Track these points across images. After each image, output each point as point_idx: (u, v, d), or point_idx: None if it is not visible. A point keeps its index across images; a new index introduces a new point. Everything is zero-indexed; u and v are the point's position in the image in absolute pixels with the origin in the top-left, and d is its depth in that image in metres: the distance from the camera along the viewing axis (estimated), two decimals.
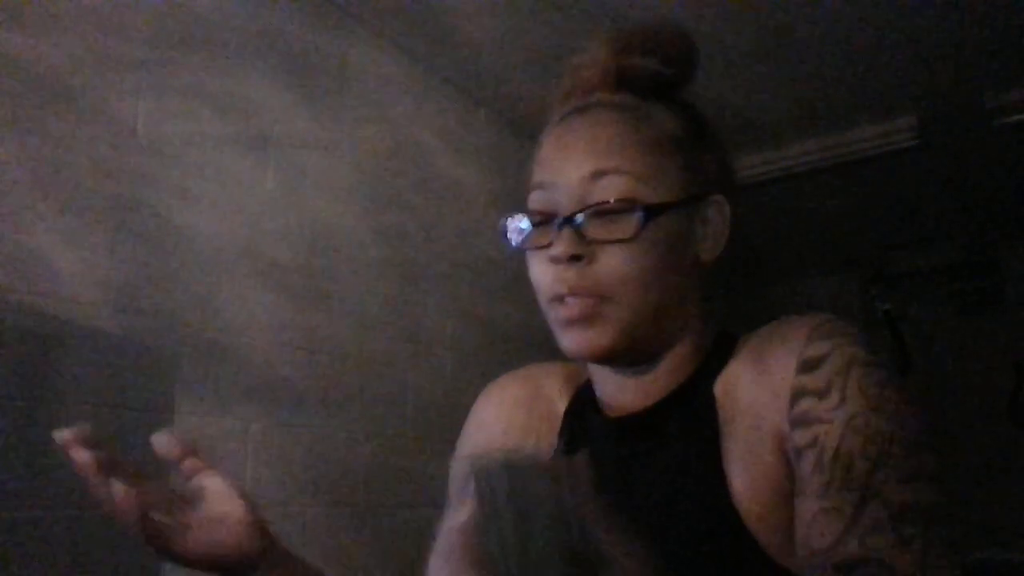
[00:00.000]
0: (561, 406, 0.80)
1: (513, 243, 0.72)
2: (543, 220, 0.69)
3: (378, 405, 2.05)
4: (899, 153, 2.85)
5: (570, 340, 0.68)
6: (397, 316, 2.16)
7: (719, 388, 0.68)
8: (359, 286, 2.06)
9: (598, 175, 0.66)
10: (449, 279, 2.35)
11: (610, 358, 0.69)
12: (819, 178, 3.13)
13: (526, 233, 0.71)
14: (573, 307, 0.66)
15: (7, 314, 1.32)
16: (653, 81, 0.70)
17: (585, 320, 0.66)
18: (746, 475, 0.63)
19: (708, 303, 0.74)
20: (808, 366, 0.62)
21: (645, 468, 0.69)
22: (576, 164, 0.67)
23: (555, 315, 0.69)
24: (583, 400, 0.78)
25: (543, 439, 0.79)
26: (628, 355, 0.69)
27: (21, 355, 1.33)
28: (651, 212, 0.65)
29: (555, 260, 0.66)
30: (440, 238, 2.35)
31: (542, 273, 0.69)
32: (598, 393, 0.75)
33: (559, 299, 0.67)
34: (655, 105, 0.70)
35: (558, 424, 0.79)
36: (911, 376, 3.77)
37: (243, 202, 1.78)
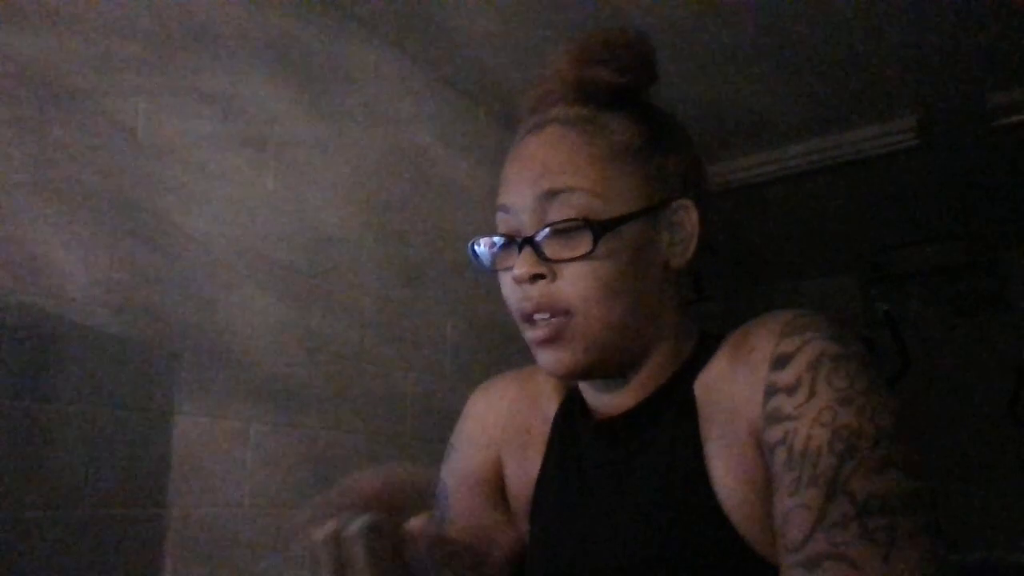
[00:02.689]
0: (552, 408, 0.80)
1: (485, 264, 0.73)
2: (508, 241, 0.70)
3: (378, 405, 2.05)
4: (899, 153, 2.86)
5: (543, 360, 0.69)
6: (397, 316, 2.16)
7: (699, 387, 0.69)
8: (359, 286, 2.06)
9: (553, 194, 0.66)
10: (449, 279, 2.35)
11: (583, 374, 0.70)
12: (819, 178, 3.13)
13: (495, 254, 0.72)
14: (540, 328, 0.67)
15: (7, 314, 1.32)
16: (610, 90, 0.70)
17: (552, 340, 0.67)
18: (729, 473, 0.64)
19: (687, 305, 0.75)
20: (780, 362, 0.62)
21: (632, 469, 0.69)
22: (531, 185, 0.68)
23: (527, 336, 0.70)
24: (572, 404, 0.79)
25: (537, 443, 0.79)
26: (602, 368, 0.69)
27: (21, 355, 1.33)
28: (604, 227, 0.65)
29: (517, 280, 0.67)
30: (440, 238, 2.35)
31: (510, 292, 0.70)
32: (586, 397, 0.76)
33: (527, 318, 0.68)
34: (613, 114, 0.70)
35: (548, 428, 0.80)
36: (911, 376, 3.77)
37: (243, 202, 1.78)
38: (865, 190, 3.33)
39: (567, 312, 0.66)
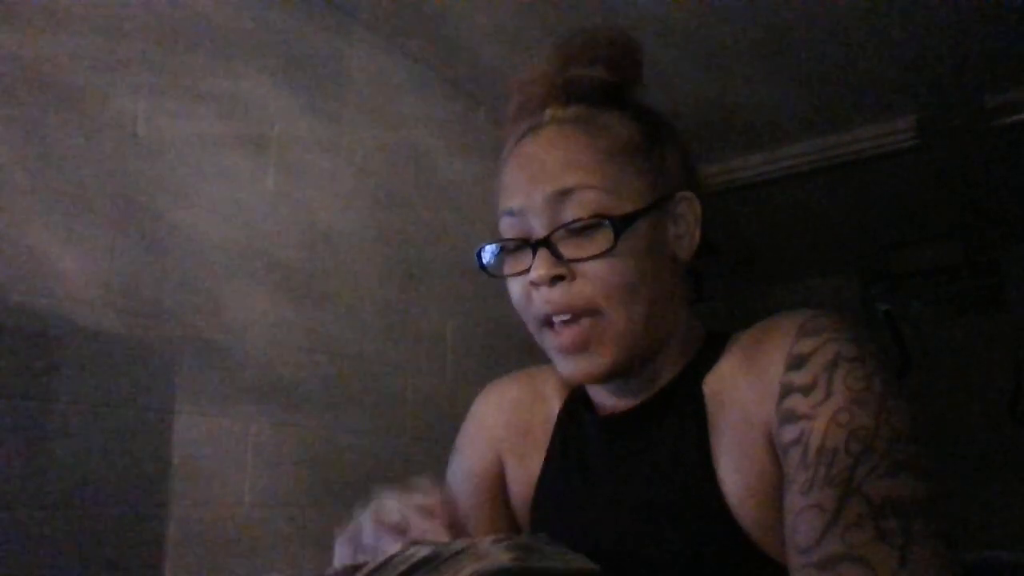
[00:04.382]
0: (556, 407, 0.80)
1: (493, 271, 0.71)
2: (518, 245, 0.69)
3: (378, 405, 2.05)
4: (899, 153, 2.85)
5: (569, 368, 0.68)
6: (397, 316, 2.16)
7: (708, 386, 0.68)
8: (359, 286, 2.05)
9: (564, 194, 0.65)
10: (449, 279, 2.35)
11: (612, 378, 0.69)
12: (819, 178, 3.13)
13: (503, 260, 0.71)
14: (565, 334, 0.66)
15: (7, 314, 1.32)
16: (602, 89, 0.70)
17: (581, 346, 0.66)
18: (737, 472, 0.63)
19: (699, 302, 0.75)
20: (796, 363, 0.62)
21: (636, 466, 0.69)
22: (540, 186, 0.66)
23: (548, 342, 0.68)
24: (577, 401, 0.78)
25: (540, 441, 0.79)
26: (627, 369, 0.68)
27: (21, 355, 1.33)
28: (623, 222, 0.64)
29: (536, 283, 0.65)
30: (440, 238, 2.35)
31: (525, 298, 0.68)
32: (591, 394, 0.76)
33: (547, 323, 0.67)
34: (608, 113, 0.69)
35: (551, 427, 0.79)
36: (911, 376, 3.77)
37: (243, 202, 1.78)
38: (865, 190, 3.33)
39: (592, 312, 0.65)
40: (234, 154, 1.78)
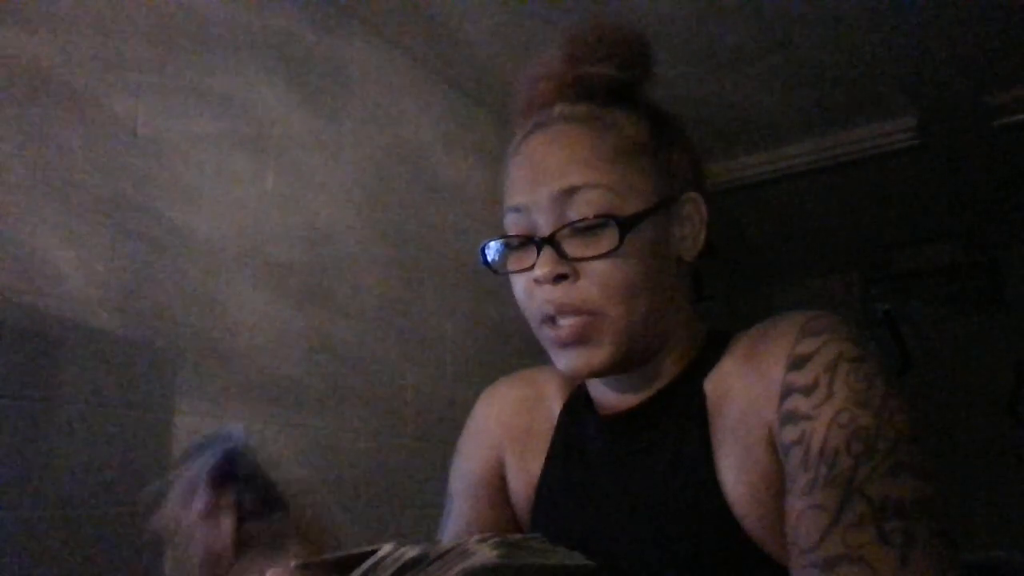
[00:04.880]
0: (557, 408, 0.80)
1: (495, 268, 0.71)
2: (522, 242, 0.68)
3: (378, 405, 2.05)
4: (899, 153, 2.85)
5: (566, 361, 0.68)
6: (397, 316, 2.16)
7: (710, 385, 0.68)
8: (359, 286, 2.05)
9: (570, 192, 0.65)
10: (449, 279, 2.35)
11: (607, 373, 0.69)
12: (819, 178, 3.13)
13: (507, 256, 0.70)
14: (564, 328, 0.66)
15: (7, 314, 1.32)
16: (611, 87, 0.69)
17: (579, 340, 0.66)
18: (738, 472, 0.63)
19: (699, 302, 0.75)
20: (797, 363, 0.62)
21: (637, 465, 0.69)
22: (546, 183, 0.66)
23: (547, 337, 0.68)
24: (578, 400, 0.78)
25: (541, 442, 0.79)
26: (624, 366, 0.68)
27: (22, 355, 1.33)
28: (628, 223, 0.64)
29: (540, 281, 0.65)
30: (440, 238, 2.35)
31: (528, 295, 0.68)
32: (592, 393, 0.76)
33: (549, 320, 0.67)
34: (617, 111, 0.69)
35: (552, 427, 0.79)
36: (911, 376, 3.77)
37: (243, 202, 1.78)
38: (865, 190, 3.33)
39: (592, 312, 0.65)
40: (234, 154, 1.78)
